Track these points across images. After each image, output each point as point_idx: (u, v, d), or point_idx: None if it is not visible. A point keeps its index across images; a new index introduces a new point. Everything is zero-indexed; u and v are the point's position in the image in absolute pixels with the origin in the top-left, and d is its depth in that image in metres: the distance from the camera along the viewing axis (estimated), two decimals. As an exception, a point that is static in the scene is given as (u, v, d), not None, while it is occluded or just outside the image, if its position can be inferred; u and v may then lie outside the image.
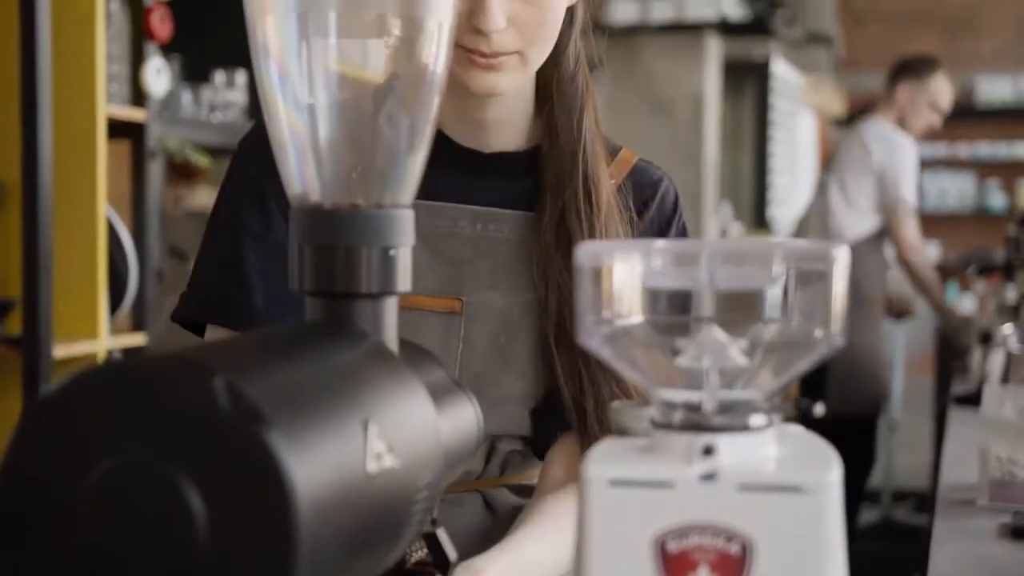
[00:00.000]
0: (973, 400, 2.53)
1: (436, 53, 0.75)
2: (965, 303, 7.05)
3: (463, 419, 0.82)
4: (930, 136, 9.80)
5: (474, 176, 1.22)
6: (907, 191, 4.08)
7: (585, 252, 0.65)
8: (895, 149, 4.17)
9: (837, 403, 3.77)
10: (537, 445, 1.23)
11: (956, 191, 9.75)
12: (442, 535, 0.78)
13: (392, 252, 0.73)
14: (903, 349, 5.97)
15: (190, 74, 2.90)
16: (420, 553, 0.79)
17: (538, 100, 1.23)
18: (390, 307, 0.74)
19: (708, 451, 0.63)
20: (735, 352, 0.66)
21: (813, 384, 3.74)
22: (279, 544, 0.53)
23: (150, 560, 0.54)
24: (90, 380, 0.57)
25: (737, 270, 0.65)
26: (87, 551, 0.55)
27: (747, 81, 6.80)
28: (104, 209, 2.47)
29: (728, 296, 0.66)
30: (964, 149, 9.69)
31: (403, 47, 0.74)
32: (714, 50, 5.61)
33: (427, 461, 0.70)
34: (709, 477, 0.62)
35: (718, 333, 0.66)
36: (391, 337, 0.75)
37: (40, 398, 0.57)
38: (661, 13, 5.30)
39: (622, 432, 0.70)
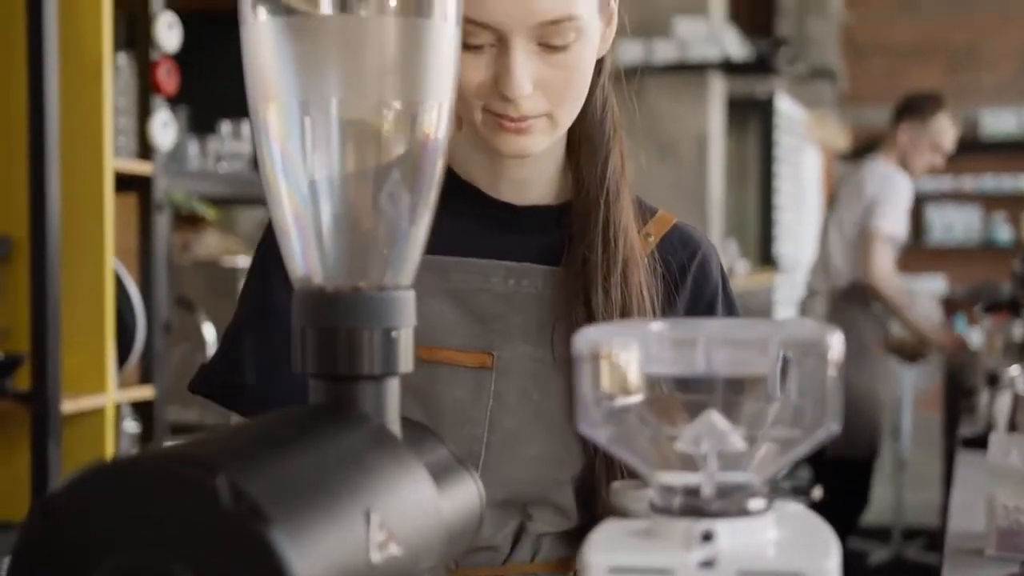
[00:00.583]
0: (981, 442, 2.53)
1: (436, 134, 0.76)
2: (973, 337, 7.05)
3: (465, 498, 0.82)
4: (935, 170, 9.83)
5: (508, 230, 1.21)
6: (885, 220, 4.08)
7: (583, 339, 0.66)
8: (887, 182, 4.20)
9: (832, 446, 3.78)
10: (574, 525, 1.19)
11: (962, 224, 9.76)
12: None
13: (394, 334, 0.74)
14: (912, 386, 5.96)
15: (197, 125, 2.93)
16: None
17: (569, 150, 1.23)
18: (392, 388, 0.75)
19: (707, 537, 0.63)
20: (734, 437, 0.66)
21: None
22: (282, 645, 0.54)
23: (154, 662, 0.55)
24: (95, 479, 0.58)
25: (734, 354, 0.66)
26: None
27: (751, 118, 6.83)
28: (112, 263, 2.48)
29: (726, 380, 0.66)
30: (969, 182, 9.71)
31: (404, 129, 0.75)
32: (717, 89, 5.64)
33: (429, 545, 0.71)
34: (708, 564, 0.62)
35: (716, 418, 0.67)
36: (393, 418, 0.75)
37: (45, 497, 0.58)
38: (664, 53, 5.33)
39: (623, 513, 0.70)
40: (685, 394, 0.69)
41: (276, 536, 0.55)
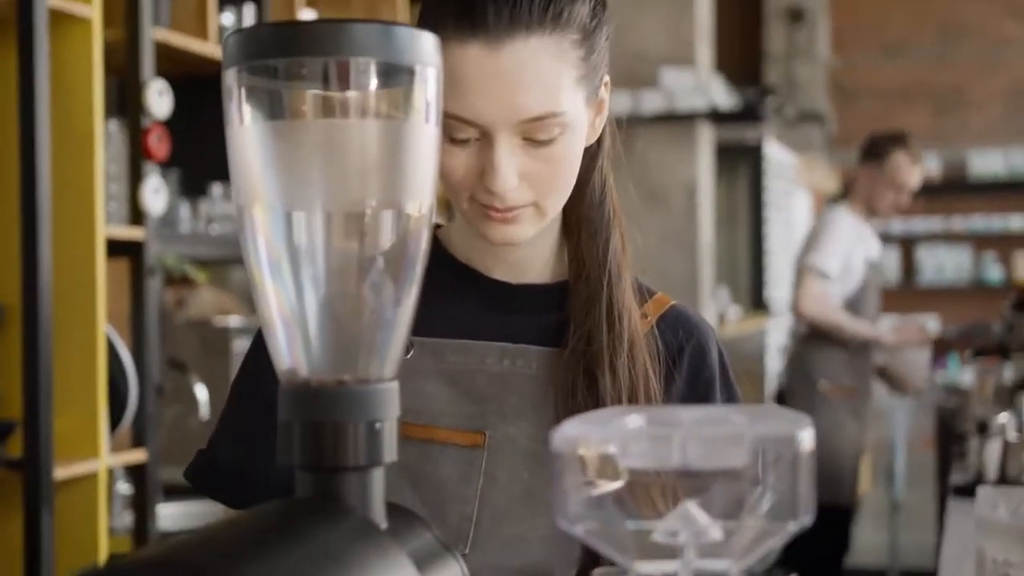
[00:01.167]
0: (971, 491, 2.53)
1: (418, 230, 0.78)
2: (965, 378, 7.06)
3: (450, 585, 0.83)
4: (926, 210, 9.85)
5: (505, 310, 1.22)
6: (817, 254, 4.10)
7: (561, 436, 0.68)
8: (827, 220, 4.25)
9: None
10: None
11: (953, 264, 9.81)
12: None
13: (378, 425, 0.76)
14: (905, 427, 5.98)
15: (188, 188, 2.95)
16: None
17: (566, 231, 1.24)
18: (377, 478, 0.76)
19: (686, 627, 0.65)
20: (711, 527, 0.68)
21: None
22: None
23: None
24: (85, 587, 0.59)
25: (709, 449, 0.68)
26: None
27: (740, 164, 6.88)
28: (104, 328, 2.50)
29: (702, 472, 0.68)
30: (959, 222, 9.77)
31: (387, 228, 0.77)
32: (706, 137, 5.69)
33: (414, 637, 0.72)
34: (687, 655, 0.64)
35: (693, 508, 0.69)
36: (378, 508, 0.77)
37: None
38: (652, 104, 5.38)
39: (604, 601, 0.72)
40: (663, 485, 0.71)
41: (262, 642, 0.57)
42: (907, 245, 9.96)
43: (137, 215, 2.66)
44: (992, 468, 2.82)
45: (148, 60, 2.68)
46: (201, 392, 2.93)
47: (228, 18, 3.00)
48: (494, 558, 1.15)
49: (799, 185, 7.96)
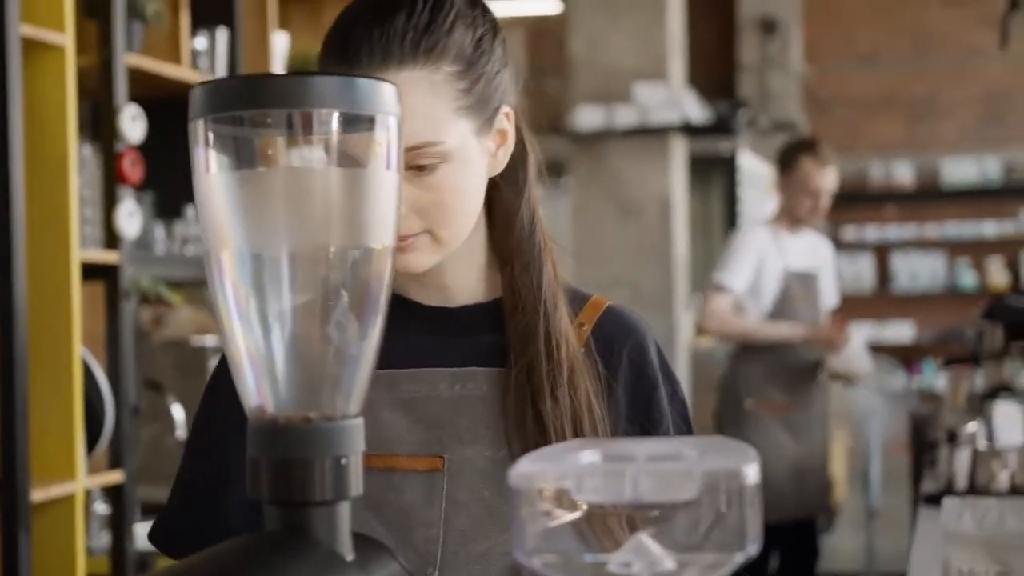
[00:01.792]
0: (940, 499, 2.56)
1: (381, 271, 0.80)
2: (940, 383, 7.11)
3: (416, 614, 0.86)
4: (899, 218, 9.89)
5: (447, 334, 1.24)
6: (721, 271, 4.08)
7: (517, 473, 0.71)
8: (737, 237, 4.25)
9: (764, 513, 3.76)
10: None
11: (927, 271, 9.88)
12: None
13: (344, 461, 0.78)
14: (880, 433, 6.02)
15: (162, 210, 2.97)
16: None
17: (500, 259, 1.26)
18: (343, 511, 0.79)
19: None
20: (664, 558, 0.71)
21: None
22: None
23: None
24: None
25: (659, 483, 0.71)
26: None
27: (714, 175, 6.93)
28: (80, 351, 2.52)
29: (654, 506, 0.71)
30: (933, 230, 9.84)
31: (350, 271, 0.80)
32: (679, 150, 5.73)
33: (380, 666, 0.75)
34: None
35: (647, 540, 0.72)
36: (345, 540, 0.80)
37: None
38: (625, 118, 5.42)
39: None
40: (617, 518, 0.74)
41: None
42: (881, 252, 10.03)
43: (112, 239, 2.68)
44: (962, 477, 2.85)
45: (121, 85, 2.71)
46: (178, 412, 2.94)
47: (201, 42, 3.02)
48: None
49: (773, 194, 8.01)
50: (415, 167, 1.14)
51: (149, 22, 2.85)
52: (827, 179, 4.08)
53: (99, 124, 2.76)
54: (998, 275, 9.71)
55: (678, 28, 5.82)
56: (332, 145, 0.81)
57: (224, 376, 1.24)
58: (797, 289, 4.09)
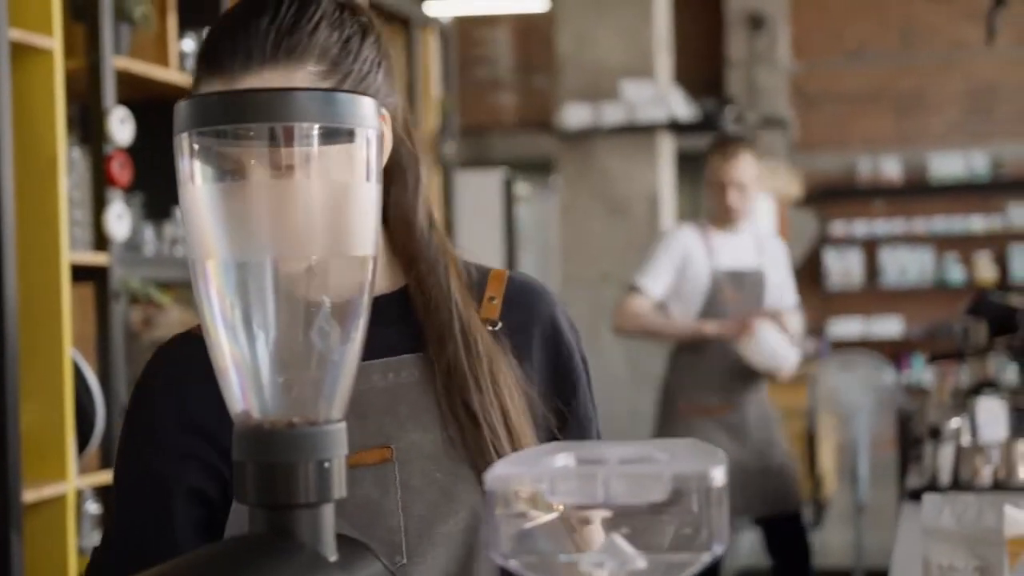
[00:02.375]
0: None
1: (362, 280, 0.83)
2: (927, 378, 7.14)
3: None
4: (887, 213, 9.92)
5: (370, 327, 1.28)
6: (637, 276, 4.02)
7: (494, 478, 0.73)
8: (659, 240, 4.14)
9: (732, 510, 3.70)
10: None
11: (916, 266, 9.92)
12: None
13: (327, 464, 0.81)
14: (868, 428, 6.05)
15: (151, 211, 2.99)
16: None
17: (403, 261, 1.27)
18: (327, 513, 0.81)
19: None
20: (635, 558, 0.74)
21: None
22: None
23: None
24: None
25: (630, 486, 0.73)
26: None
27: (702, 172, 6.94)
28: (70, 352, 2.54)
29: (626, 508, 0.73)
30: (921, 224, 9.88)
31: (332, 280, 0.83)
32: (667, 148, 5.76)
33: (362, 664, 0.77)
34: None
35: (619, 540, 0.74)
36: (328, 540, 0.82)
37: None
38: (613, 116, 5.44)
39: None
40: (589, 518, 0.77)
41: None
42: (869, 247, 10.07)
43: (101, 240, 2.70)
44: (945, 473, 2.88)
45: (110, 88, 2.72)
46: (168, 412, 2.95)
47: (188, 44, 3.04)
48: (433, 560, 1.20)
49: (762, 190, 8.04)
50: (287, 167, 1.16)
51: (137, 25, 2.87)
52: (732, 173, 3.98)
53: (88, 127, 2.78)
54: (986, 270, 9.75)
55: (665, 25, 5.85)
56: (313, 157, 0.84)
57: (152, 391, 1.24)
58: (728, 288, 3.99)
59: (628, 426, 5.56)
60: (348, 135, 0.81)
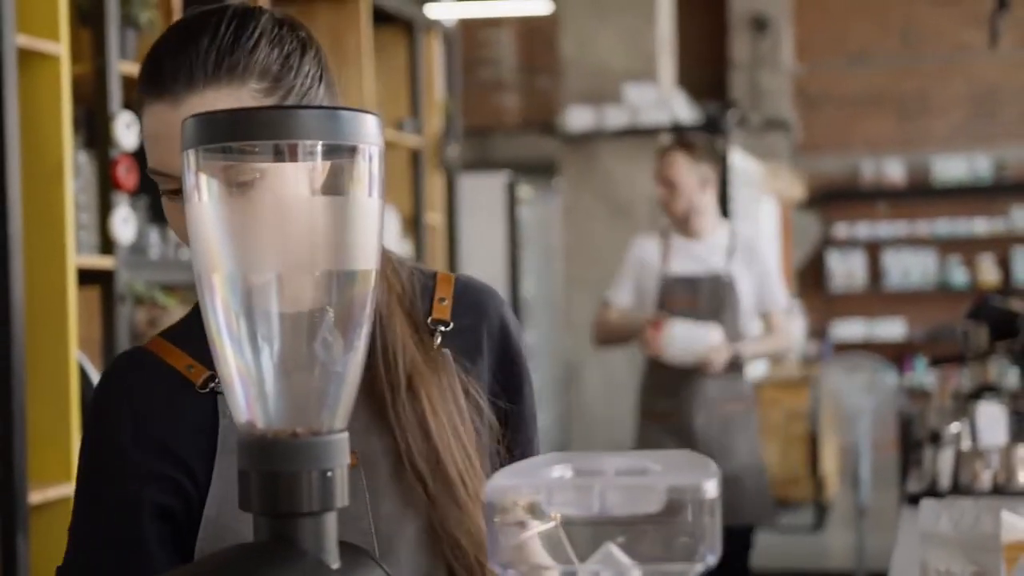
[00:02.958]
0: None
1: (365, 293, 0.85)
2: (930, 380, 7.15)
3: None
4: (891, 216, 9.91)
5: None
6: (610, 289, 4.10)
7: (493, 487, 0.75)
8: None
9: None
10: None
11: (919, 268, 9.93)
12: None
13: (330, 474, 0.82)
14: (870, 431, 6.06)
15: (156, 215, 3.01)
16: None
17: None
18: (330, 521, 0.83)
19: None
20: (631, 568, 0.75)
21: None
22: None
23: None
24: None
25: (626, 497, 0.75)
26: None
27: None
28: (75, 355, 2.56)
29: (621, 519, 0.75)
30: (924, 227, 9.90)
31: (336, 293, 0.84)
32: (670, 150, 5.75)
33: (363, 669, 0.79)
34: None
35: (615, 550, 0.76)
36: (331, 548, 0.84)
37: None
38: (616, 119, 5.46)
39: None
40: (586, 527, 0.79)
41: None
42: (872, 250, 10.09)
43: (107, 244, 2.72)
44: (945, 477, 2.89)
45: (115, 93, 2.74)
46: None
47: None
48: (406, 557, 1.22)
49: (765, 193, 8.05)
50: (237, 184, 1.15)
51: (142, 30, 2.89)
52: (662, 171, 3.98)
53: (94, 131, 2.80)
54: (989, 272, 9.77)
55: (668, 28, 5.86)
56: (317, 174, 0.86)
57: (108, 409, 1.22)
58: (678, 294, 3.98)
59: (632, 429, 5.57)
60: (350, 152, 0.83)
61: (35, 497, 2.46)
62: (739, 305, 4.02)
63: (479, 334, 1.30)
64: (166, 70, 1.14)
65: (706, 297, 3.98)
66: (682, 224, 4.04)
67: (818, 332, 9.62)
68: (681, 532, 0.73)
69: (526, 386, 1.33)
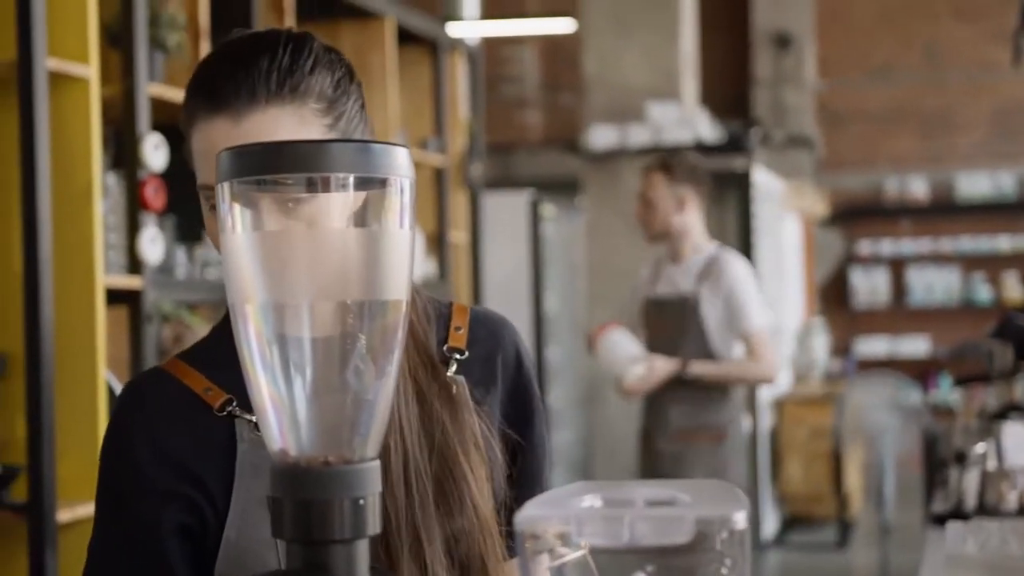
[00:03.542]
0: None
1: (396, 322, 0.86)
2: (955, 398, 7.11)
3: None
4: (914, 232, 9.87)
5: None
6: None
7: (523, 518, 0.76)
8: None
9: None
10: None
11: (943, 285, 9.90)
12: None
13: (362, 501, 0.83)
14: (894, 449, 6.04)
15: (184, 234, 3.03)
16: None
17: None
18: (362, 549, 0.84)
19: None
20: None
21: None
22: None
23: None
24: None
25: (655, 528, 0.76)
26: None
27: (728, 191, 6.94)
28: (103, 374, 2.58)
29: (650, 549, 0.76)
30: (948, 244, 9.87)
31: (367, 323, 0.85)
32: (693, 168, 5.76)
33: None
34: None
35: (643, 577, 0.77)
36: (363, 574, 0.85)
37: None
38: (639, 137, 5.47)
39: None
40: (615, 557, 0.79)
41: None
42: (896, 266, 10.05)
43: (135, 264, 2.75)
44: (971, 497, 2.87)
45: (144, 115, 2.77)
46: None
47: (221, 70, 3.08)
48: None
49: (788, 210, 8.04)
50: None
51: (170, 52, 2.92)
52: (642, 187, 4.05)
53: (122, 152, 2.83)
54: (1013, 289, 9.73)
55: (691, 46, 5.87)
56: (349, 206, 0.87)
57: (127, 431, 1.22)
58: (651, 316, 4.04)
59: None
60: (382, 184, 0.84)
61: (63, 515, 2.48)
62: (705, 326, 3.99)
63: (494, 364, 1.31)
64: (225, 85, 1.16)
65: (672, 319, 4.00)
66: (655, 241, 4.12)
67: (841, 349, 9.59)
68: (710, 563, 0.74)
69: (536, 416, 1.33)
